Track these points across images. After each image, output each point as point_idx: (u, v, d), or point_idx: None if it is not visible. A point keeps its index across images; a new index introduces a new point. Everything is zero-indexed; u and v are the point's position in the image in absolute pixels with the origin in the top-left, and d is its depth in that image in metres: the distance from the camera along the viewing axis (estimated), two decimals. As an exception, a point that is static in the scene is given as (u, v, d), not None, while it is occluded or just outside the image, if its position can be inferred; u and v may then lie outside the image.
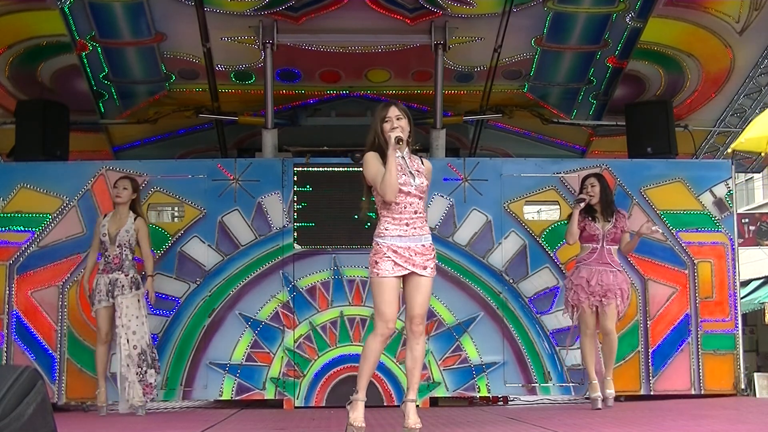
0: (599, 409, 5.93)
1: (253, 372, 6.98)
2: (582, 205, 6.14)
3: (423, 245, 4.29)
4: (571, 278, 6.27)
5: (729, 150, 7.49)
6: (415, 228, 4.27)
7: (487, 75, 7.91)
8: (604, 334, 6.12)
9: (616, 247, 6.23)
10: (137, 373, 6.18)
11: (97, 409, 6.37)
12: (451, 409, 6.85)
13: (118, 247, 6.32)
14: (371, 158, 4.31)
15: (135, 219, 6.41)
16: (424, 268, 4.26)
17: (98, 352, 6.38)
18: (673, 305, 7.22)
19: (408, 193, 4.28)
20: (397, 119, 4.31)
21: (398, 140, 4.22)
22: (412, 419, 4.16)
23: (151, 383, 6.26)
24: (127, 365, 6.17)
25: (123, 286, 6.27)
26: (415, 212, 4.30)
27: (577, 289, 6.17)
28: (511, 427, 4.90)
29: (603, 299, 6.06)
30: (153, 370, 6.29)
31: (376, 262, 4.24)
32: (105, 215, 6.50)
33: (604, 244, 6.16)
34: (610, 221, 6.18)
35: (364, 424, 4.13)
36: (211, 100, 8.25)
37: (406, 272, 4.23)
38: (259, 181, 7.20)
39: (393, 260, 4.20)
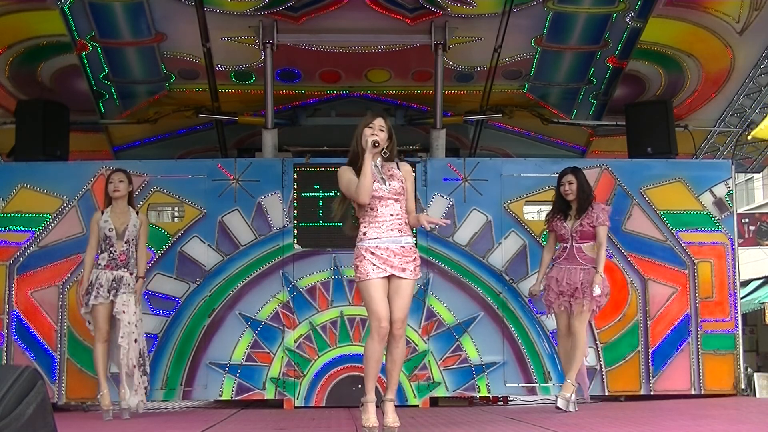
0: (559, 409, 5.73)
1: (253, 372, 6.98)
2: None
3: (402, 246, 4.38)
4: (546, 278, 6.15)
5: (749, 137, 7.47)
6: (392, 230, 4.38)
7: (487, 75, 7.91)
8: (571, 332, 5.94)
9: (589, 243, 5.96)
10: (139, 371, 6.07)
11: (103, 412, 6.03)
12: (451, 409, 6.85)
13: (125, 243, 6.10)
14: (343, 172, 4.49)
15: (138, 214, 6.26)
16: (403, 270, 4.35)
17: (98, 351, 6.04)
18: (673, 305, 7.22)
19: (381, 198, 4.40)
20: (380, 129, 4.44)
21: (374, 144, 4.34)
22: (391, 418, 4.29)
23: (144, 387, 6.14)
24: (134, 366, 5.98)
25: (129, 284, 6.05)
26: (392, 215, 4.40)
27: (548, 289, 6.07)
28: (511, 427, 4.90)
29: (571, 299, 5.92)
30: (146, 377, 6.16)
31: (357, 266, 4.38)
32: (102, 211, 6.21)
33: (573, 242, 5.98)
34: (578, 218, 5.99)
35: (377, 424, 4.25)
36: (211, 100, 8.25)
37: (388, 274, 4.32)
38: (259, 181, 7.21)
39: (372, 262, 4.32)
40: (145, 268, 6.29)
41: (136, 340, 6.03)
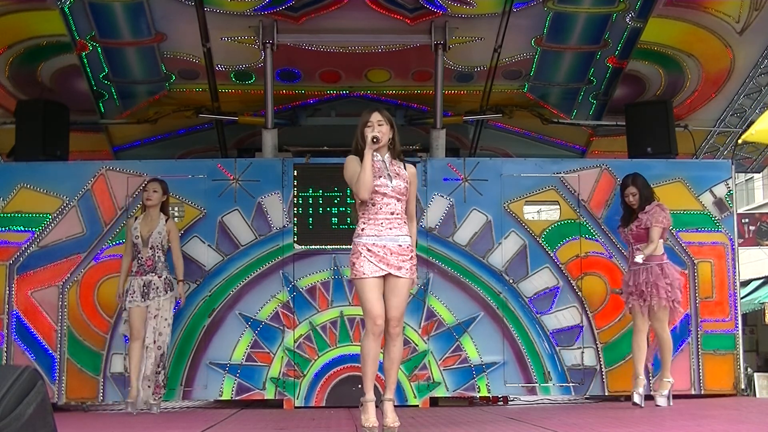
0: (637, 405, 6.02)
1: (253, 372, 6.98)
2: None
3: (399, 245, 4.37)
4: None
5: (739, 141, 7.51)
6: (391, 228, 4.37)
7: (487, 75, 7.91)
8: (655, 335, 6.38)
9: (646, 244, 6.30)
10: (156, 373, 6.33)
11: (127, 405, 6.33)
12: (451, 409, 6.85)
13: (150, 249, 6.41)
14: (350, 161, 4.46)
15: (166, 221, 6.53)
16: (399, 268, 4.34)
17: (131, 349, 6.38)
18: (673, 305, 7.21)
19: (384, 194, 4.38)
20: (379, 124, 4.43)
21: (374, 139, 4.33)
22: (390, 418, 4.27)
23: (159, 383, 6.39)
24: (150, 365, 6.29)
25: (158, 288, 6.38)
26: (392, 213, 4.39)
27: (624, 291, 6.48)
28: (511, 427, 4.90)
29: (640, 299, 6.25)
30: (164, 372, 6.44)
31: (354, 263, 4.36)
32: (136, 218, 6.58)
33: (632, 246, 6.38)
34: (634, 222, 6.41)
35: (377, 424, 4.24)
36: (211, 100, 8.25)
37: (384, 273, 4.31)
38: (259, 181, 7.20)
39: (369, 260, 4.31)
40: (182, 270, 6.59)
41: (154, 341, 6.36)
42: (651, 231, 6.26)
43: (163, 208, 6.58)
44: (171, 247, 6.53)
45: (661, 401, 6.13)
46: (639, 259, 6.15)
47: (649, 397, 6.31)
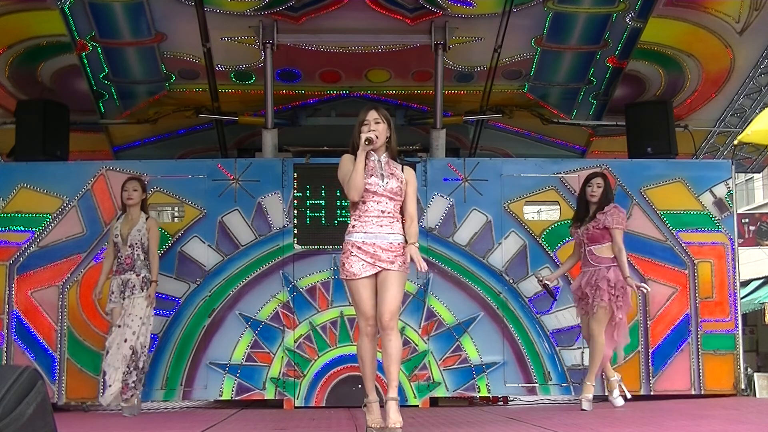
0: (583, 410, 5.86)
1: (253, 372, 6.98)
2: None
3: (390, 243, 4.31)
4: (572, 290, 6.34)
5: (735, 141, 7.52)
6: (381, 226, 4.31)
7: (487, 75, 7.91)
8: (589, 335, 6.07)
9: (600, 245, 6.02)
10: (124, 372, 6.11)
11: (123, 410, 6.20)
12: (451, 409, 6.85)
13: (129, 247, 6.31)
14: (344, 160, 4.43)
15: (147, 219, 6.44)
16: (392, 263, 4.27)
17: None
18: (673, 305, 7.23)
19: (375, 193, 4.33)
20: (375, 122, 4.38)
21: (367, 141, 4.28)
22: (393, 417, 4.21)
23: (128, 384, 6.13)
24: (118, 361, 6.11)
25: (134, 286, 6.27)
26: (382, 212, 4.33)
27: (574, 297, 6.26)
28: (511, 427, 4.90)
29: (581, 303, 6.08)
30: (136, 373, 6.18)
31: (344, 263, 4.32)
32: (118, 218, 6.50)
33: (585, 246, 6.09)
34: (589, 222, 6.10)
35: (383, 425, 4.21)
36: (211, 100, 8.25)
37: (375, 271, 4.26)
38: (259, 181, 7.21)
39: (360, 258, 4.26)
40: (157, 271, 6.43)
41: (126, 339, 6.16)
42: (614, 234, 5.95)
43: (143, 207, 6.48)
44: (148, 245, 6.37)
45: (585, 405, 5.89)
46: (647, 287, 6.01)
47: (649, 398, 6.32)
